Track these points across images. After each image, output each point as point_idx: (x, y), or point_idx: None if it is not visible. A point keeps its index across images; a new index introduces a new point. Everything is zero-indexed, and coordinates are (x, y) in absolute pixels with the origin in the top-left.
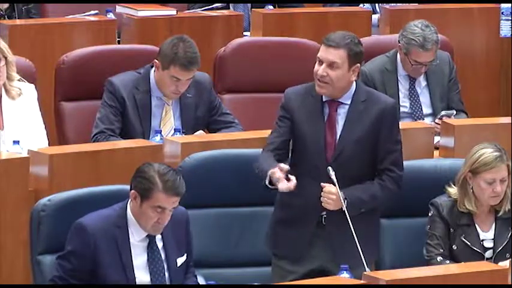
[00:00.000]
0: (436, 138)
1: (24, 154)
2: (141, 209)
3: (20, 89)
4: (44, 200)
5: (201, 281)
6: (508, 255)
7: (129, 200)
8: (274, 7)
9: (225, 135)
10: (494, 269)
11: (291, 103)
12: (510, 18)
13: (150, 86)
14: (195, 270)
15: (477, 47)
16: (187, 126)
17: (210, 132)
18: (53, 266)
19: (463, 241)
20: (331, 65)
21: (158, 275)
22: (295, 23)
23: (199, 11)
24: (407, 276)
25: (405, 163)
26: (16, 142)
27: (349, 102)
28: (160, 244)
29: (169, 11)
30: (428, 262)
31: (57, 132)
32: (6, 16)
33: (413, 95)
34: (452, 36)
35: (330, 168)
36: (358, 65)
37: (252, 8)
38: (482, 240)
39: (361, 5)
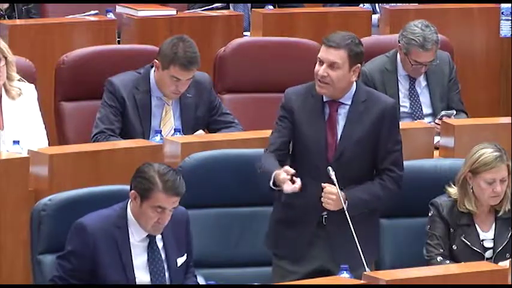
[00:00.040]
0: (436, 138)
1: (24, 154)
2: (141, 209)
3: (20, 89)
4: (44, 200)
5: (201, 281)
6: (508, 255)
7: (129, 200)
8: (274, 7)
9: (225, 135)
10: (494, 269)
11: (291, 103)
12: (510, 18)
13: (150, 86)
14: (195, 270)
15: (477, 47)
16: (187, 126)
17: (210, 132)
18: (53, 265)
19: (463, 241)
20: (332, 65)
21: (158, 275)
22: (295, 23)
23: (199, 11)
24: (407, 276)
25: (405, 163)
26: (16, 142)
27: (349, 102)
28: (160, 244)
29: (169, 11)
30: (428, 262)
31: (57, 132)
32: (6, 16)
33: (413, 95)
34: (452, 36)
35: (329, 168)
36: (359, 65)
37: (252, 8)
38: (482, 240)
39: (361, 5)
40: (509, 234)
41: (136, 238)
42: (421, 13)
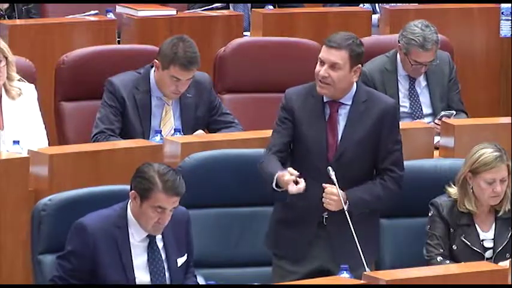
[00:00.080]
0: (436, 138)
1: (24, 154)
2: (141, 209)
3: (20, 89)
4: (44, 200)
5: (201, 281)
6: (508, 255)
7: (129, 200)
8: (274, 7)
9: (225, 135)
10: (494, 269)
11: (292, 103)
12: (510, 18)
13: (150, 86)
14: (195, 270)
15: (477, 47)
16: (187, 126)
17: (210, 132)
18: (54, 265)
19: (463, 241)
20: (333, 65)
21: (158, 275)
22: (295, 23)
23: (199, 11)
24: (407, 276)
25: (405, 163)
26: (16, 142)
27: (350, 102)
28: (160, 244)
29: (169, 11)
30: (428, 262)
31: (57, 132)
32: (6, 16)
33: (413, 95)
34: (452, 36)
35: (330, 168)
36: (360, 65)
37: (252, 8)
38: (482, 240)
39: (361, 5)
40: (509, 234)
41: (137, 238)
42: (421, 13)
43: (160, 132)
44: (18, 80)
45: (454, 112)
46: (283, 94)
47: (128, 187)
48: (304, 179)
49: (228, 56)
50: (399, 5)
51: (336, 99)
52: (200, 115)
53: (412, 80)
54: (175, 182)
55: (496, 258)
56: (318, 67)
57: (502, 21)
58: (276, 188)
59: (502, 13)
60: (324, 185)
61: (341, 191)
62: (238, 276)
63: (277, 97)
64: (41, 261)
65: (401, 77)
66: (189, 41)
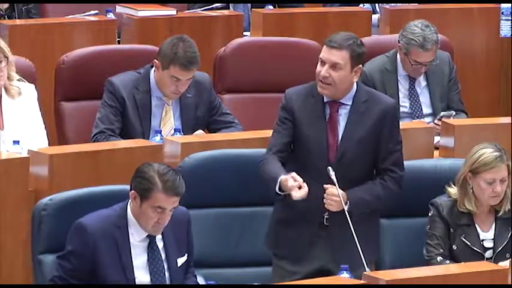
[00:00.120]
0: (436, 138)
1: (24, 154)
2: (141, 209)
3: (19, 88)
4: (45, 200)
5: (201, 281)
6: (508, 255)
7: (129, 200)
8: (274, 7)
9: (225, 135)
10: (494, 269)
11: (292, 103)
12: (510, 18)
13: (150, 86)
14: (195, 270)
15: (477, 47)
16: (187, 126)
17: (210, 132)
18: (54, 265)
19: (463, 241)
20: (334, 66)
21: (158, 275)
22: (295, 23)
23: (199, 11)
24: (407, 276)
25: (405, 163)
26: (16, 142)
27: (350, 102)
28: (160, 244)
29: (169, 11)
30: (428, 262)
31: (57, 132)
32: (6, 16)
33: (413, 95)
34: (452, 36)
35: (329, 168)
36: (360, 65)
37: (252, 8)
38: (482, 240)
39: (361, 5)
40: (509, 234)
41: (137, 238)
42: (421, 13)
43: (160, 132)
44: (18, 80)
45: (454, 112)
46: (283, 94)
47: (127, 187)
48: (304, 179)
49: (228, 56)
50: (399, 5)
51: (337, 99)
52: (200, 115)
53: (412, 80)
54: (175, 182)
55: (496, 258)
56: (318, 67)
57: (502, 21)
58: (279, 192)
59: (502, 13)
60: (325, 185)
61: (341, 191)
62: (238, 276)
63: (277, 97)
64: (41, 261)
65: (401, 77)
66: (189, 41)
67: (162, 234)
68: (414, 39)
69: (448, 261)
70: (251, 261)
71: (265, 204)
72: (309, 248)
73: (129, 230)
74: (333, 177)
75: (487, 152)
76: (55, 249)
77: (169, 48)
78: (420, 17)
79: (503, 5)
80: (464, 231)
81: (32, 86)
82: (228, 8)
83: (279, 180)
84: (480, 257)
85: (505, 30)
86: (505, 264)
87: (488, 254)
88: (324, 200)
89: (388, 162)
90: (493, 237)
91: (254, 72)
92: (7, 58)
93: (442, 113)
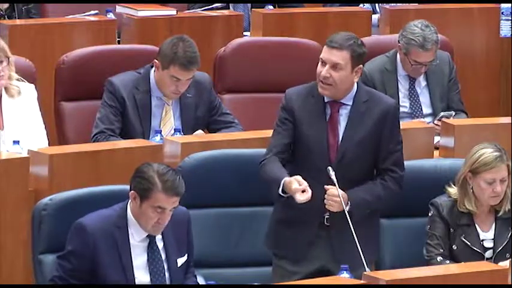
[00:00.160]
0: (436, 138)
1: (24, 154)
2: (141, 210)
3: (18, 88)
4: (45, 200)
5: (201, 281)
6: (508, 255)
7: (129, 201)
8: (274, 7)
9: (225, 135)
10: (494, 269)
11: (292, 103)
12: (510, 18)
13: (150, 86)
14: (195, 270)
15: (477, 47)
16: (187, 126)
17: (210, 132)
18: (54, 265)
19: (463, 241)
20: (335, 66)
21: (158, 275)
22: (295, 23)
23: (199, 11)
24: (407, 276)
25: (405, 163)
26: (16, 142)
27: (350, 103)
28: (160, 244)
29: (169, 11)
30: (428, 262)
31: (57, 132)
32: (6, 16)
33: (413, 95)
34: (452, 36)
35: (329, 168)
36: (361, 66)
37: (252, 8)
38: (482, 240)
39: (361, 5)
40: (509, 234)
41: (136, 238)
42: (421, 13)
43: (160, 132)
44: (17, 80)
45: (454, 113)
46: (283, 94)
47: (127, 187)
48: (304, 180)
49: (228, 56)
50: (399, 5)
51: (337, 99)
52: (200, 115)
53: (412, 80)
54: (174, 182)
55: (496, 258)
56: (319, 68)
57: (502, 21)
58: (282, 194)
59: (502, 13)
60: (325, 186)
61: (342, 192)
62: (238, 276)
63: (277, 97)
64: (42, 261)
65: (401, 77)
66: (189, 41)
67: (162, 234)
68: (414, 39)
69: (448, 261)
70: (251, 261)
71: (265, 204)
72: (309, 248)
73: (129, 230)
74: (333, 177)
75: (487, 152)
76: (55, 249)
77: (169, 48)
78: (420, 17)
79: (503, 5)
80: (464, 231)
81: (32, 86)
82: (228, 8)
83: (282, 182)
84: (480, 257)
85: (505, 30)
86: (505, 264)
87: (488, 254)
88: (325, 200)
89: (388, 162)
90: (493, 237)
91: (254, 72)
92: (8, 58)
93: (442, 113)
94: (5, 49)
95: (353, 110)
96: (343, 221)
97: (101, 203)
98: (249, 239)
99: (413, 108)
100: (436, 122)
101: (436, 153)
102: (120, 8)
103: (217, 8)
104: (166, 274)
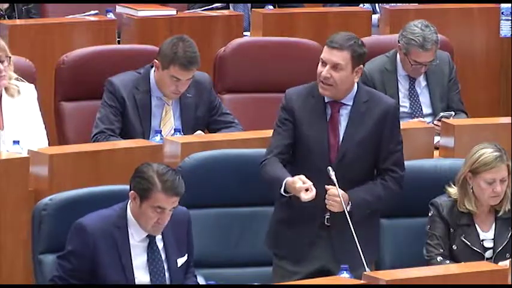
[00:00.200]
0: (436, 138)
1: (24, 154)
2: (140, 210)
3: (18, 87)
4: (45, 200)
5: (201, 281)
6: (508, 255)
7: (129, 201)
8: (274, 7)
9: (225, 135)
10: (494, 269)
11: (292, 103)
12: (510, 18)
13: (150, 86)
14: (195, 270)
15: (477, 47)
16: (187, 126)
17: (210, 132)
18: (54, 265)
19: (463, 241)
20: (335, 66)
21: (158, 275)
22: (295, 23)
23: (199, 11)
24: (407, 276)
25: (405, 163)
26: (16, 142)
27: (351, 103)
28: (160, 244)
29: (169, 11)
30: (428, 262)
31: (57, 132)
32: (6, 16)
33: (413, 95)
34: (452, 36)
35: (329, 168)
36: (361, 66)
37: (252, 8)
38: (482, 240)
39: (361, 5)
40: (509, 234)
41: (136, 238)
42: (421, 13)
43: (160, 132)
44: (16, 79)
45: (453, 113)
46: (283, 94)
47: (127, 187)
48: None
49: (228, 56)
50: (399, 5)
51: (338, 99)
52: (200, 115)
53: (412, 80)
54: (174, 182)
55: (496, 258)
56: (319, 68)
57: (502, 21)
58: (284, 194)
59: (502, 13)
60: (326, 186)
61: (342, 192)
62: (238, 276)
63: (277, 97)
64: (42, 261)
65: (401, 77)
66: (189, 40)
67: (162, 234)
68: (414, 39)
69: (448, 261)
70: (251, 261)
71: (265, 204)
72: (309, 248)
73: (128, 230)
74: (333, 177)
75: (487, 152)
76: (55, 249)
77: (169, 48)
78: (420, 17)
79: (503, 5)
80: (464, 231)
81: (32, 85)
82: (228, 8)
83: (284, 182)
84: (480, 257)
85: (505, 30)
86: (505, 264)
87: (488, 254)
88: (326, 200)
89: (388, 162)
90: (493, 237)
91: (254, 72)
92: (9, 58)
93: (442, 114)
94: (5, 49)
95: (353, 110)
96: (344, 221)
97: (101, 203)
98: (249, 239)
99: (413, 108)
100: (435, 122)
101: (436, 153)
102: (120, 8)
103: (217, 8)
104: (166, 274)
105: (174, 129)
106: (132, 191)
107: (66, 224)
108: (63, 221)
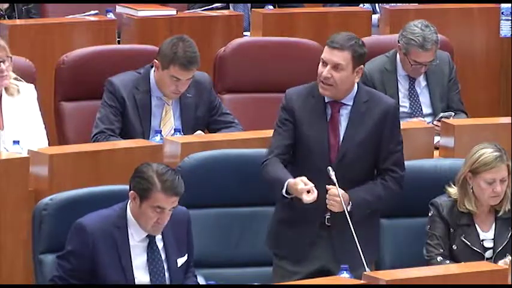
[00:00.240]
0: (436, 138)
1: (24, 154)
2: (140, 210)
3: (17, 86)
4: (45, 200)
5: (201, 281)
6: (508, 255)
7: (129, 201)
8: (274, 7)
9: (225, 135)
10: (494, 269)
11: (292, 103)
12: (510, 18)
13: (150, 86)
14: (195, 270)
15: (477, 47)
16: (187, 126)
17: (210, 132)
18: (54, 265)
19: (463, 241)
20: (336, 66)
21: (158, 275)
22: (295, 23)
23: (199, 11)
24: (407, 276)
25: (405, 163)
26: (16, 142)
27: (351, 103)
28: (160, 244)
29: (169, 11)
30: (428, 262)
31: (57, 132)
32: (6, 16)
33: (413, 95)
34: (452, 36)
35: (329, 168)
36: (362, 66)
37: (252, 8)
38: (482, 240)
39: (361, 5)
40: (509, 234)
41: (136, 238)
42: (421, 13)
43: (160, 132)
44: (15, 79)
45: (453, 113)
46: (283, 94)
47: (127, 187)
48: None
49: (228, 56)
50: (399, 5)
51: (338, 99)
52: (200, 115)
53: (412, 80)
54: (174, 182)
55: (496, 258)
56: (320, 68)
57: (502, 21)
58: (286, 195)
59: (502, 13)
60: (327, 186)
61: (342, 192)
62: (238, 276)
63: (277, 97)
64: (42, 261)
65: (401, 77)
66: (189, 40)
67: (162, 234)
68: (414, 39)
69: (448, 261)
70: (251, 261)
71: (265, 204)
72: (310, 248)
73: (128, 230)
74: (333, 177)
75: (487, 152)
76: (55, 249)
77: (169, 48)
78: (420, 17)
79: (503, 5)
80: (464, 231)
81: (32, 85)
82: (228, 8)
83: (286, 183)
84: (480, 257)
85: (505, 30)
86: (504, 261)
87: (488, 254)
88: (327, 200)
89: (389, 162)
90: (493, 237)
91: (254, 72)
92: (10, 58)
93: (441, 114)
94: (6, 49)
95: (353, 110)
96: (344, 221)
97: (101, 203)
98: (249, 239)
99: (413, 108)
100: (435, 122)
101: (436, 153)
102: (120, 8)
103: (217, 8)
104: (166, 274)
105: (174, 129)
106: (131, 191)
107: (66, 224)
108: (63, 221)
